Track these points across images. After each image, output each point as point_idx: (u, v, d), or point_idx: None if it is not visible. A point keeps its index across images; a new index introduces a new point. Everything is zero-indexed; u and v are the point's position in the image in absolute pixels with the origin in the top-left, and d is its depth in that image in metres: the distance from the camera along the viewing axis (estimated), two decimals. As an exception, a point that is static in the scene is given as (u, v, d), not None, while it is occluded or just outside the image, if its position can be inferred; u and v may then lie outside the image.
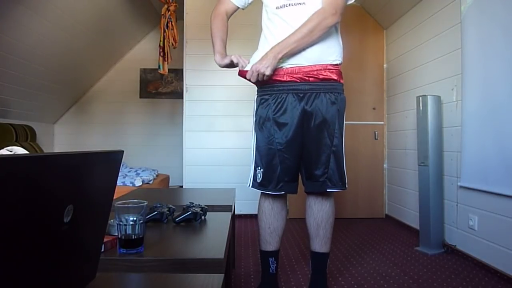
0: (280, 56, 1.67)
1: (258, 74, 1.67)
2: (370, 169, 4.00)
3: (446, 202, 2.81)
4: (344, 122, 1.87)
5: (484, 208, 2.38)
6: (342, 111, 1.84)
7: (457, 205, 2.69)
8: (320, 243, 1.90)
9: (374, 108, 4.05)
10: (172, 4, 3.67)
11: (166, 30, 3.68)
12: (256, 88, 1.91)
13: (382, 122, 4.07)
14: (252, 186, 1.87)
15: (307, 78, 1.74)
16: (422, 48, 3.25)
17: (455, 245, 2.68)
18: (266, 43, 1.79)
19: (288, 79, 1.75)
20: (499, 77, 2.23)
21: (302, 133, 1.80)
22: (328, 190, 1.82)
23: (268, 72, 1.66)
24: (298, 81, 1.75)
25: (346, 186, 1.85)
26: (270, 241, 1.91)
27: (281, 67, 1.75)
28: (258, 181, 1.83)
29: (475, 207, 2.48)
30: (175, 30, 3.72)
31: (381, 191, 4.05)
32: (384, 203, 4.05)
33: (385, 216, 4.02)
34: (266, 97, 1.82)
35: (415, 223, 3.23)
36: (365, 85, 4.05)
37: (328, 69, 1.76)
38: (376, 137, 4.04)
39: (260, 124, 1.83)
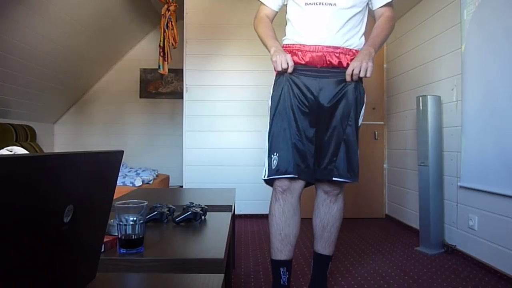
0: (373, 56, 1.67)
1: (360, 71, 1.62)
2: (370, 169, 4.00)
3: (446, 202, 2.81)
4: (362, 115, 1.80)
5: (484, 208, 2.38)
6: (361, 101, 1.79)
7: (457, 205, 2.69)
8: (323, 245, 1.86)
9: (374, 108, 4.05)
10: (172, 4, 3.67)
11: (166, 30, 3.68)
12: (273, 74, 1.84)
13: (382, 122, 4.07)
14: (268, 176, 1.72)
15: (329, 62, 1.69)
16: (422, 48, 3.25)
17: (455, 245, 2.68)
18: (296, 34, 1.75)
19: (309, 60, 1.70)
20: (499, 77, 2.23)
21: (317, 118, 1.74)
22: (334, 179, 1.72)
23: (369, 74, 1.64)
24: (319, 66, 1.70)
25: (357, 178, 1.75)
26: (281, 249, 1.75)
27: (304, 44, 1.71)
28: (274, 167, 1.70)
29: (475, 207, 2.48)
30: (175, 30, 3.72)
31: (381, 191, 4.06)
32: (384, 203, 4.05)
33: (385, 216, 4.02)
34: (284, 81, 1.74)
35: (415, 223, 3.23)
36: (365, 85, 4.04)
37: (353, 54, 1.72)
38: (376, 137, 4.04)
39: (279, 109, 1.73)
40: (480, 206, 2.43)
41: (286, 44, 1.77)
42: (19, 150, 1.67)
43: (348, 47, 1.71)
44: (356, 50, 1.72)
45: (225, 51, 4.03)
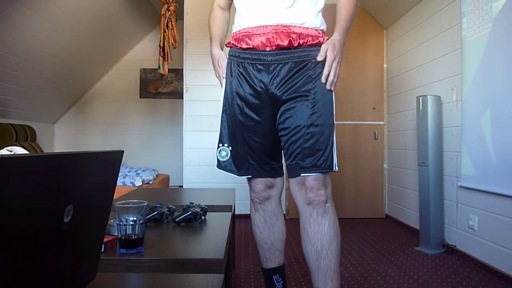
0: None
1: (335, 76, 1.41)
2: (370, 169, 4.00)
3: (446, 202, 2.81)
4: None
5: (484, 208, 2.38)
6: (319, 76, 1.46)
7: (457, 205, 2.69)
8: (323, 279, 1.38)
9: (374, 108, 4.05)
10: (172, 4, 3.67)
11: (166, 30, 3.68)
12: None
13: (382, 122, 4.07)
14: (217, 167, 1.68)
15: (278, 44, 1.41)
16: (422, 48, 3.25)
17: (455, 245, 2.68)
18: (241, 18, 1.51)
19: (256, 45, 1.43)
20: (499, 77, 2.23)
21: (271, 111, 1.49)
22: (302, 175, 1.40)
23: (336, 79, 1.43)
24: (269, 49, 1.42)
25: (334, 168, 1.41)
26: (270, 257, 1.64)
27: (251, 27, 1.45)
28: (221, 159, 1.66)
29: (475, 207, 2.48)
30: (175, 30, 3.72)
31: (381, 191, 4.06)
32: (384, 203, 4.05)
33: (385, 216, 4.02)
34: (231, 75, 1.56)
35: (415, 223, 3.23)
36: (365, 85, 4.05)
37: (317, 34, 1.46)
38: (376, 137, 4.04)
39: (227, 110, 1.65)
40: (480, 206, 2.43)
41: (234, 33, 1.53)
42: (19, 150, 1.67)
43: (301, 25, 1.42)
44: (312, 29, 1.43)
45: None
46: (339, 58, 1.42)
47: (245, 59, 1.47)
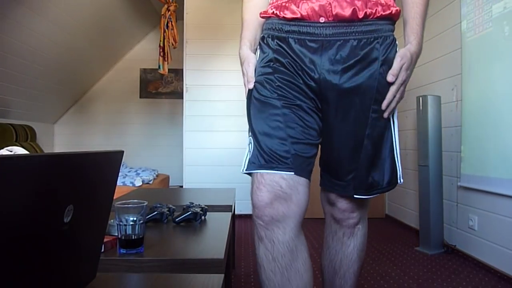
0: None
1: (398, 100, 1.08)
2: (370, 169, 4.00)
3: (446, 202, 2.81)
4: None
5: (484, 208, 2.38)
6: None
7: (457, 205, 2.69)
8: None
9: (374, 108, 4.04)
10: (172, 4, 3.67)
11: (166, 30, 3.68)
12: None
13: (382, 122, 4.06)
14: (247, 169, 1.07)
15: (337, 14, 1.01)
16: (422, 48, 3.25)
17: (455, 245, 2.68)
18: None
19: (306, 14, 1.03)
20: (499, 77, 2.23)
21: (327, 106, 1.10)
22: (356, 196, 1.11)
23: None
24: (323, 20, 1.02)
25: (399, 180, 1.13)
26: None
27: None
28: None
29: (475, 207, 2.48)
30: (175, 30, 3.72)
31: (381, 191, 4.05)
32: (384, 203, 4.05)
33: (385, 216, 4.02)
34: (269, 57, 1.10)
35: (415, 223, 3.23)
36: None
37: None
38: (376, 137, 4.04)
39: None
40: (480, 206, 2.43)
41: (272, 0, 1.12)
42: (19, 150, 1.67)
43: None
44: None
45: (225, 51, 4.03)
46: (409, 77, 1.07)
47: (289, 32, 1.05)
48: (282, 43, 1.06)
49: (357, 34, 1.02)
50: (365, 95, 1.04)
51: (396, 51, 1.10)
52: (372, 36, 1.04)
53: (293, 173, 1.00)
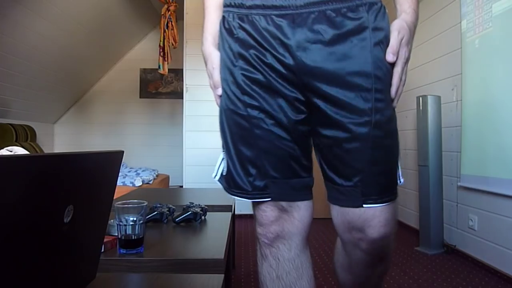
0: None
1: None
2: (370, 169, 3.99)
3: (446, 202, 2.81)
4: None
5: (484, 208, 2.38)
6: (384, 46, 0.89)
7: (457, 205, 2.69)
8: None
9: (374, 108, 4.04)
10: (172, 4, 3.67)
11: (166, 30, 3.69)
12: None
13: (382, 122, 4.06)
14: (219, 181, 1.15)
15: None
16: (422, 48, 3.25)
17: (455, 245, 2.68)
18: None
19: None
20: (499, 77, 2.23)
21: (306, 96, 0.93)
22: (366, 206, 0.90)
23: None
24: None
25: (399, 180, 0.98)
26: None
27: None
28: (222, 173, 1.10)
29: (475, 207, 2.48)
30: (175, 30, 3.72)
31: (381, 191, 4.05)
32: (384, 203, 4.05)
33: (385, 216, 4.02)
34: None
35: (415, 223, 3.23)
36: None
37: None
38: (376, 137, 4.03)
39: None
40: (480, 206, 2.43)
41: None
42: (19, 150, 1.67)
43: None
44: None
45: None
46: (409, 53, 0.90)
47: (252, 8, 0.87)
48: (245, 24, 0.88)
49: (334, 3, 0.83)
50: (359, 76, 0.85)
51: (388, 22, 0.92)
52: (353, 3, 0.84)
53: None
